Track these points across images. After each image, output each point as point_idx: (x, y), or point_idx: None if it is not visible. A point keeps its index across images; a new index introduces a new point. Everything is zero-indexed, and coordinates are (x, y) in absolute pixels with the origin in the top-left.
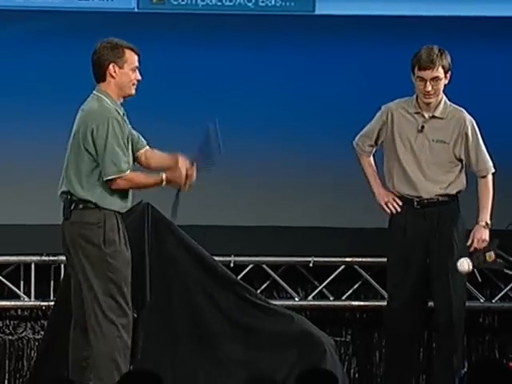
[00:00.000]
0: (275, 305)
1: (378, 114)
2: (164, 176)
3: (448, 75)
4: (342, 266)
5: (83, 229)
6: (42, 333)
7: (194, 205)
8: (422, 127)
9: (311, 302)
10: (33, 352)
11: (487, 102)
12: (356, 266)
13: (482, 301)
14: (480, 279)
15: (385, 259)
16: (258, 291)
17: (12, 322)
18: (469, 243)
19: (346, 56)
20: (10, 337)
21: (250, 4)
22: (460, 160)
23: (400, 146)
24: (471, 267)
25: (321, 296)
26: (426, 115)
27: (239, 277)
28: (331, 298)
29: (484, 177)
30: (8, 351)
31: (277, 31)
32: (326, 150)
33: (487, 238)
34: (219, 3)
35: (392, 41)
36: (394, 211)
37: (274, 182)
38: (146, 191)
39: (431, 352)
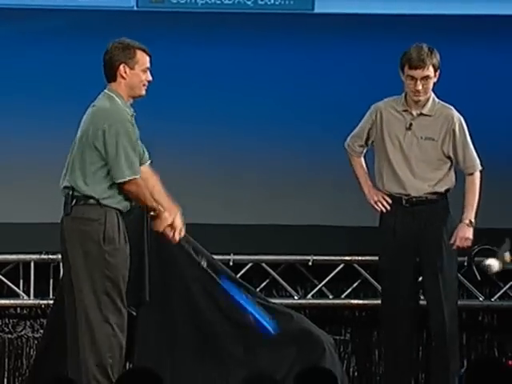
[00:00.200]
0: (274, 303)
1: (368, 114)
2: (160, 209)
3: (437, 73)
4: (342, 265)
5: (83, 225)
6: (42, 331)
7: (193, 203)
8: (411, 125)
9: (310, 301)
10: (32, 350)
11: (487, 101)
12: (355, 265)
13: (481, 299)
14: (479, 278)
15: None
16: (258, 290)
17: (11, 321)
18: (451, 241)
19: (345, 54)
20: (10, 335)
21: (249, 2)
22: (449, 157)
23: (389, 145)
24: (501, 267)
25: (320, 294)
26: (414, 113)
27: (238, 275)
28: (330, 297)
29: (471, 174)
30: (7, 350)
31: (276, 29)
32: (325, 148)
33: (470, 236)
34: (218, 1)
35: (391, 39)
36: (384, 210)
37: (274, 181)
38: None
39: (430, 351)
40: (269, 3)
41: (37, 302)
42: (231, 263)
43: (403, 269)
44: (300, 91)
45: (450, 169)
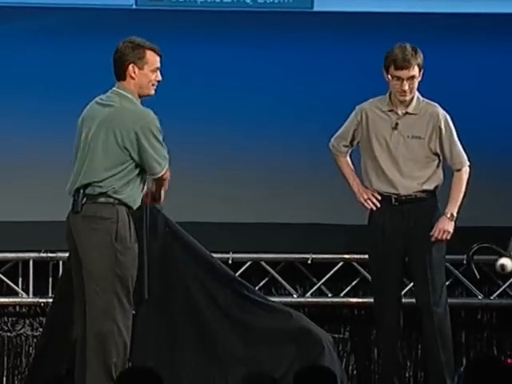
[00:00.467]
0: (273, 301)
1: (353, 115)
2: None
3: (421, 73)
4: (341, 263)
5: (95, 223)
6: (41, 329)
7: (193, 201)
8: (396, 124)
9: (309, 299)
10: (31, 349)
11: (486, 100)
12: (354, 263)
13: (480, 297)
14: (478, 276)
15: None
16: (257, 288)
17: (10, 319)
18: (432, 233)
19: (344, 52)
20: (9, 333)
21: (248, 1)
22: (436, 155)
23: (376, 145)
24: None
25: (319, 293)
26: (400, 112)
27: (237, 273)
28: (329, 295)
29: (459, 170)
30: (6, 348)
31: (275, 28)
32: (324, 146)
33: (450, 229)
34: (217, 0)
35: (390, 37)
36: (374, 208)
37: (273, 179)
38: None
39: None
40: (268, 1)
41: (36, 300)
42: (230, 261)
43: (392, 268)
44: (299, 89)
45: (438, 166)
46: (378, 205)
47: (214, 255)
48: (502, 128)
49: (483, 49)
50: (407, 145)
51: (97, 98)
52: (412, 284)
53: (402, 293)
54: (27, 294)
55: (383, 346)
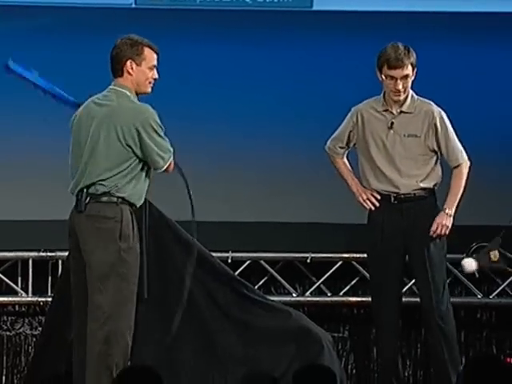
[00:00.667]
0: (273, 301)
1: (348, 116)
2: None
3: (415, 71)
4: (340, 262)
5: (99, 222)
6: (40, 329)
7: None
8: (392, 124)
9: (309, 298)
10: (30, 348)
11: (485, 99)
12: (354, 262)
13: (479, 297)
14: (477, 275)
15: None
16: (256, 287)
17: (10, 318)
18: (431, 229)
19: (343, 51)
20: (8, 332)
21: (247, 0)
22: (434, 152)
23: (372, 145)
24: (477, 267)
25: (318, 292)
26: (395, 111)
27: (237, 273)
28: (329, 294)
29: (456, 167)
30: (6, 347)
31: (275, 27)
32: (324, 145)
33: (448, 223)
34: None
35: (390, 36)
36: (373, 208)
37: (273, 178)
38: None
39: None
40: (267, 0)
41: (35, 299)
42: (230, 260)
43: (391, 266)
44: (299, 88)
45: (436, 163)
46: (377, 204)
47: (214, 254)
48: (501, 127)
49: (483, 48)
50: (404, 143)
51: (93, 98)
52: (412, 282)
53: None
54: (26, 293)
55: (381, 346)
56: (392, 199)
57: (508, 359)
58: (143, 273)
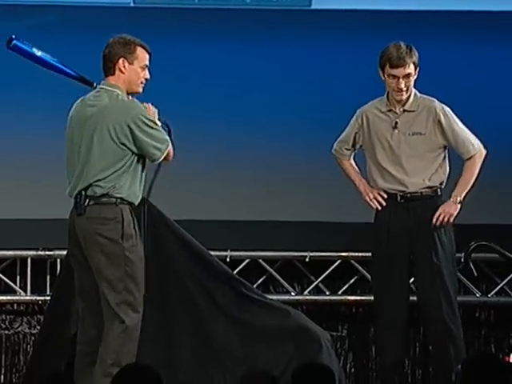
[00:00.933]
0: (271, 299)
1: (354, 118)
2: None
3: (417, 70)
4: (339, 261)
5: (101, 224)
6: (38, 327)
7: (191, 199)
8: (396, 123)
9: (307, 297)
10: (29, 347)
11: (487, 98)
12: (352, 261)
13: (478, 295)
14: (476, 274)
15: None
16: (255, 286)
17: (8, 317)
18: (435, 215)
19: (342, 50)
20: (6, 331)
21: None
22: (441, 148)
23: (378, 146)
24: None
25: (317, 291)
26: (398, 110)
27: (235, 271)
28: (327, 293)
29: (469, 158)
30: (4, 346)
31: (273, 26)
32: (322, 144)
33: (453, 212)
34: None
35: (389, 35)
36: (379, 207)
37: (271, 177)
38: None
39: (427, 348)
40: None
41: (34, 298)
42: (228, 259)
43: (397, 266)
44: (297, 87)
45: (443, 160)
46: (384, 203)
47: (212, 253)
48: (502, 126)
49: (483, 47)
50: (409, 142)
51: (84, 98)
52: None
53: None
54: (25, 291)
55: (382, 345)
56: (398, 198)
57: (506, 358)
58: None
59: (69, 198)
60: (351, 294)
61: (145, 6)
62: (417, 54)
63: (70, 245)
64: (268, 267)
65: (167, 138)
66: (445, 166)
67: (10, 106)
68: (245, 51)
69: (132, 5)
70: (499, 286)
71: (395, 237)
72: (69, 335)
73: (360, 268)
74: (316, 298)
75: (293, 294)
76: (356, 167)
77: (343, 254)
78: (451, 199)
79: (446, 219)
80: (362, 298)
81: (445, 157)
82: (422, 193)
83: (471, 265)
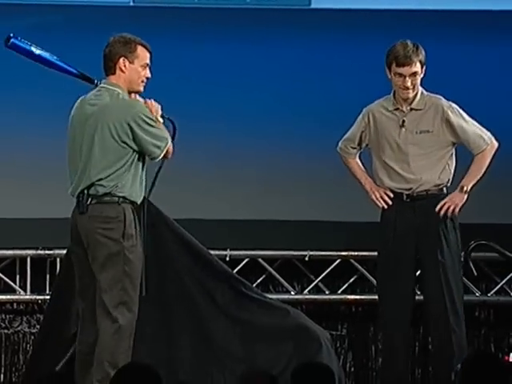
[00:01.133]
0: (271, 299)
1: (360, 117)
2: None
3: (423, 69)
4: (338, 260)
5: (102, 223)
6: (38, 327)
7: (191, 198)
8: (403, 121)
9: (307, 296)
10: (28, 346)
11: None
12: (352, 260)
13: (477, 295)
14: (475, 273)
15: None
16: (254, 285)
17: (8, 316)
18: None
19: (342, 50)
20: (6, 331)
21: None
22: (449, 146)
23: (385, 145)
24: None
25: (317, 290)
26: (405, 109)
27: (235, 270)
28: (327, 292)
29: (480, 152)
30: (4, 345)
31: (273, 25)
32: (321, 143)
33: (459, 202)
34: None
35: (388, 34)
36: (385, 206)
37: (271, 176)
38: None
39: (426, 347)
40: None
41: (33, 297)
42: (228, 258)
43: (403, 265)
44: (297, 86)
45: (450, 158)
46: (390, 202)
47: (212, 252)
48: (502, 126)
49: (484, 47)
50: (416, 140)
51: (85, 97)
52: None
53: None
54: (25, 291)
55: (387, 345)
56: (405, 197)
57: (506, 357)
58: (142, 271)
59: (68, 198)
60: (351, 293)
61: (144, 5)
62: (423, 53)
63: (71, 243)
64: (267, 266)
65: (167, 135)
66: (451, 164)
67: (9, 104)
68: (244, 50)
69: (131, 4)
70: (499, 286)
71: (401, 236)
72: (68, 334)
73: (360, 267)
74: (315, 297)
75: (292, 293)
76: (361, 166)
77: (343, 253)
78: (458, 189)
79: (451, 208)
80: (362, 297)
81: (452, 154)
82: (428, 191)
83: (471, 264)
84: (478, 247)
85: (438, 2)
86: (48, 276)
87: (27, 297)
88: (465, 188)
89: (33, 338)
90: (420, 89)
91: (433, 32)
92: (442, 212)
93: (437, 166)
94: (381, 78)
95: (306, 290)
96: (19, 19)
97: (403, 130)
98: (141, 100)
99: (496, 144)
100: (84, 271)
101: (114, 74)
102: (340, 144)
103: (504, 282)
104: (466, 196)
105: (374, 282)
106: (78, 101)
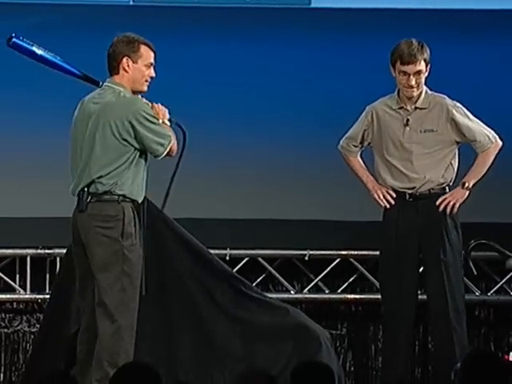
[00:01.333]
0: (271, 298)
1: (363, 115)
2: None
3: (428, 68)
4: (338, 259)
5: (102, 221)
6: (38, 326)
7: (190, 198)
8: (408, 120)
9: (307, 295)
10: (28, 345)
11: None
12: (352, 259)
13: (477, 294)
14: (475, 272)
15: None
16: (254, 284)
17: (8, 315)
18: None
19: (342, 49)
20: (6, 330)
21: None
22: (453, 144)
23: (389, 143)
24: None
25: (316, 289)
26: (409, 108)
27: (235, 270)
28: (327, 291)
29: (484, 151)
30: (4, 344)
31: (273, 24)
32: (321, 143)
33: (460, 198)
34: None
35: (388, 34)
36: (388, 205)
37: (271, 176)
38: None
39: (426, 346)
40: None
41: (33, 296)
42: (228, 258)
43: (406, 264)
44: (297, 86)
45: (453, 157)
46: (393, 202)
47: (212, 251)
48: (502, 126)
49: (484, 46)
50: (420, 139)
51: (89, 96)
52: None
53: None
54: (24, 290)
55: (389, 344)
56: (407, 197)
57: (506, 356)
58: (142, 270)
59: (69, 197)
60: (351, 293)
61: (144, 4)
62: (428, 51)
63: (72, 242)
64: (267, 265)
65: (170, 133)
66: (455, 163)
67: (9, 104)
68: (244, 49)
69: (131, 3)
70: (499, 285)
71: (404, 235)
72: (68, 334)
73: (359, 266)
74: (315, 296)
75: (292, 292)
76: (363, 164)
77: (343, 252)
78: (460, 185)
79: (451, 203)
80: (362, 296)
81: (455, 154)
82: (430, 190)
83: (471, 263)
84: (477, 246)
85: (439, 1)
86: (48, 275)
87: (27, 296)
88: (466, 184)
89: (33, 337)
90: (424, 88)
91: (433, 31)
92: (442, 207)
93: (440, 165)
94: (381, 78)
95: (306, 290)
96: (18, 19)
97: (407, 128)
98: (148, 104)
99: (500, 143)
100: (84, 270)
101: (117, 73)
102: (342, 142)
103: (504, 281)
104: (467, 192)
105: (374, 281)
106: (82, 100)
